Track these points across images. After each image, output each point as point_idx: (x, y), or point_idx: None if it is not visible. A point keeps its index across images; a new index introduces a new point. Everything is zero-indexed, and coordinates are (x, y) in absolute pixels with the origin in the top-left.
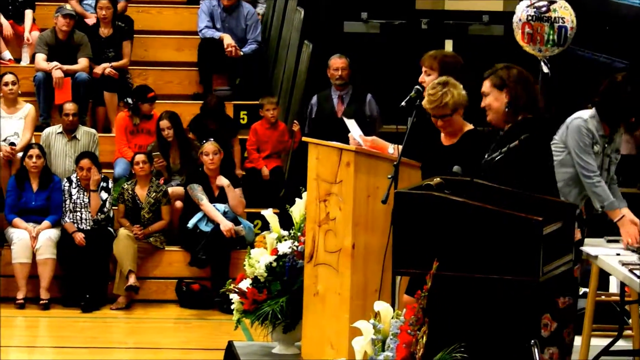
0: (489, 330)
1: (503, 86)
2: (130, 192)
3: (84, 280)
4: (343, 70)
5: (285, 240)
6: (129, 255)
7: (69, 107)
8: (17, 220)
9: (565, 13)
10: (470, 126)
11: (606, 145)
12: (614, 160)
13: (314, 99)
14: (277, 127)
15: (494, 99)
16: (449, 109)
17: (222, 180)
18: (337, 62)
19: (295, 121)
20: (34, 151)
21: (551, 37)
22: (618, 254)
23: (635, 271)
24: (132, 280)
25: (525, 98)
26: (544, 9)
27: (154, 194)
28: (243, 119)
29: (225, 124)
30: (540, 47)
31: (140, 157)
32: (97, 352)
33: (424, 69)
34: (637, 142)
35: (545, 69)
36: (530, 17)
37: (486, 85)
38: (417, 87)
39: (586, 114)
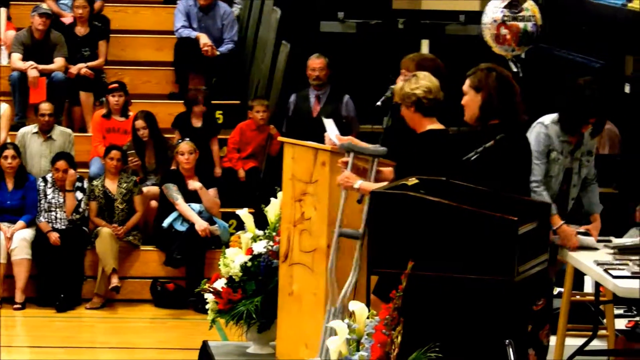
0: (463, 330)
1: (479, 88)
2: (101, 188)
3: (58, 279)
4: (321, 71)
5: (260, 240)
6: (112, 254)
7: (45, 107)
8: None
9: (535, 11)
10: (433, 127)
11: (574, 150)
12: (585, 162)
13: (292, 98)
14: (264, 130)
15: (470, 99)
16: (397, 97)
17: (194, 184)
18: (315, 62)
19: (271, 125)
20: (9, 152)
21: (524, 36)
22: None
23: (610, 271)
24: (115, 280)
25: (498, 103)
26: (517, 8)
27: (125, 184)
28: (219, 118)
29: (209, 122)
30: (514, 47)
31: (115, 154)
32: (73, 351)
33: (402, 71)
34: (612, 142)
35: (515, 68)
36: (506, 18)
37: (466, 84)
38: (392, 86)
39: (548, 118)
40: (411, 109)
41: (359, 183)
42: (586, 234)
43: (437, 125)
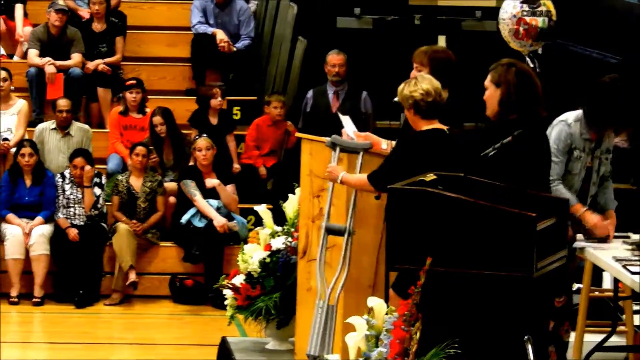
0: (482, 326)
1: (499, 84)
2: (125, 184)
3: (77, 276)
4: (340, 67)
5: (279, 236)
6: (130, 251)
7: (63, 103)
8: (10, 216)
9: (550, 6)
10: (429, 127)
11: (595, 148)
12: (605, 160)
13: (310, 94)
14: (281, 126)
15: (490, 95)
16: (398, 98)
17: (212, 182)
18: (334, 59)
19: (289, 122)
20: (26, 150)
21: (541, 32)
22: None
23: (628, 267)
24: (132, 276)
25: (516, 98)
26: (535, 3)
27: (150, 183)
28: (236, 114)
29: (225, 119)
30: (532, 43)
31: (141, 150)
32: (91, 347)
33: (415, 65)
34: (630, 137)
35: (532, 64)
36: (525, 13)
37: (487, 80)
38: None
39: (571, 116)
40: (410, 111)
41: (341, 175)
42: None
43: (436, 126)
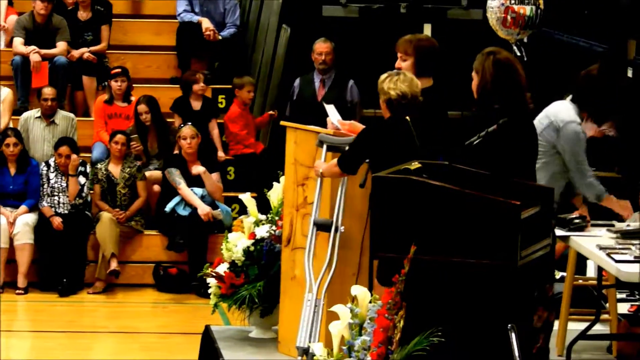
0: (466, 315)
1: (478, 71)
2: (104, 171)
3: (61, 264)
4: (327, 55)
5: (263, 224)
6: (112, 239)
7: (48, 91)
8: None
9: None
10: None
11: None
12: None
13: (297, 82)
14: (250, 109)
15: (474, 82)
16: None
17: (197, 169)
18: (321, 47)
19: (272, 111)
20: (11, 139)
21: (529, 20)
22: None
23: (612, 255)
24: (114, 264)
25: (493, 87)
26: None
27: (128, 169)
28: (221, 102)
29: (208, 105)
30: (519, 31)
31: (120, 138)
32: (75, 336)
33: (399, 54)
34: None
35: (519, 53)
36: (513, 1)
37: (473, 66)
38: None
39: (573, 114)
40: (383, 103)
41: (322, 168)
42: (582, 217)
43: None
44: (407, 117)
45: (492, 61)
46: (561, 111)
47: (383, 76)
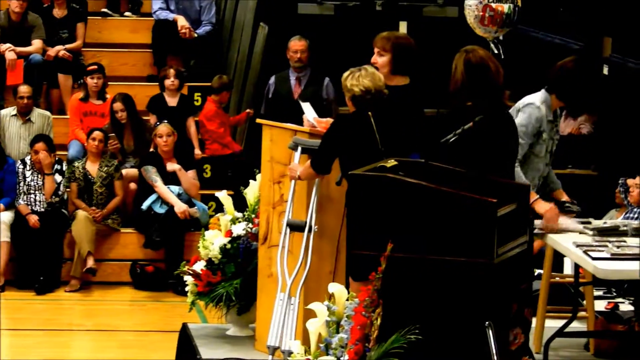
0: (443, 312)
1: (452, 69)
2: (82, 170)
3: (37, 262)
4: (302, 53)
5: (240, 222)
6: (88, 238)
7: (24, 89)
8: None
9: None
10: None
11: (554, 129)
12: (555, 141)
13: (272, 79)
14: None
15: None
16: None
17: (173, 166)
18: (296, 44)
19: (249, 109)
20: None
21: (507, 17)
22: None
23: (589, 253)
24: (90, 262)
25: (463, 85)
26: None
27: (106, 168)
28: (197, 100)
29: (185, 103)
30: (496, 29)
31: (97, 135)
32: (53, 334)
33: (376, 49)
34: (593, 123)
35: (496, 50)
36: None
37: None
38: None
39: (537, 99)
40: (348, 100)
41: (299, 171)
42: (573, 203)
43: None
44: (370, 113)
45: (463, 60)
46: (527, 97)
47: (345, 74)
